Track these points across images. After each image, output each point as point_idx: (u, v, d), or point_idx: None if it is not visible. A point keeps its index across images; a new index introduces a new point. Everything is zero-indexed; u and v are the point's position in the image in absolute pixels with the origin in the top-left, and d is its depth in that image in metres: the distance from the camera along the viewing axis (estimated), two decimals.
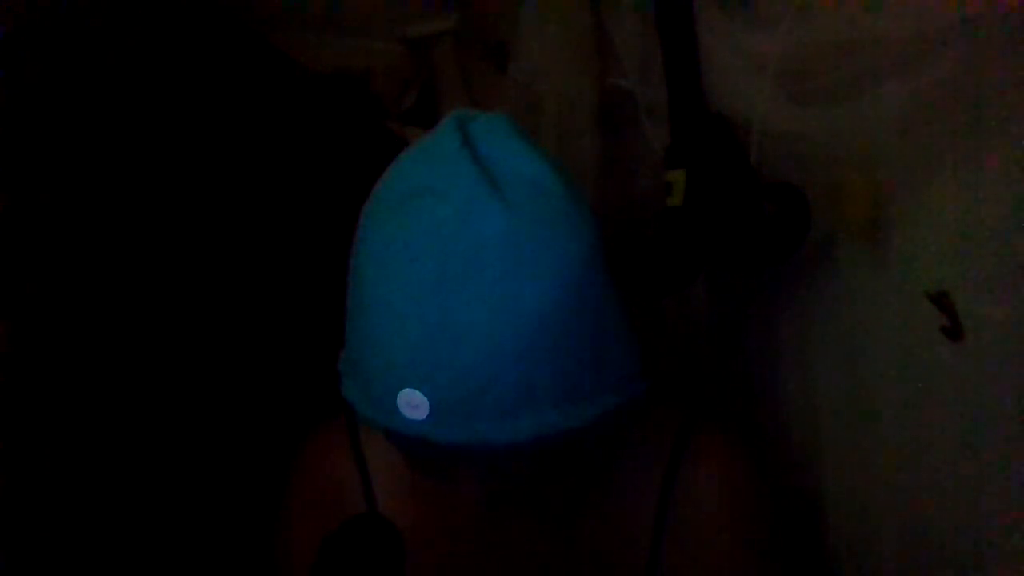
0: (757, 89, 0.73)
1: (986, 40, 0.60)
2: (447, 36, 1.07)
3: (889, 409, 0.75)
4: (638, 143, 0.89)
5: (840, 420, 0.80)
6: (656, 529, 0.73)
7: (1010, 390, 0.65)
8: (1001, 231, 0.64)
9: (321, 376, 0.68)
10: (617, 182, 0.93)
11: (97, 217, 0.94)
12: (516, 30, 0.93)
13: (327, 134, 1.08)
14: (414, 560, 0.60)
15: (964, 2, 0.60)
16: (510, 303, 0.57)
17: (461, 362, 0.57)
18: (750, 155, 0.75)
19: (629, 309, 0.65)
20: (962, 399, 0.68)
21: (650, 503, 0.73)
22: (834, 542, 0.82)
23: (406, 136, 1.08)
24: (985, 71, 0.61)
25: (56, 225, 0.91)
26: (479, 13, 1.03)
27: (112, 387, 0.94)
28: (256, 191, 1.03)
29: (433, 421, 0.59)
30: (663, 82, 0.81)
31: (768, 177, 0.75)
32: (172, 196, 0.98)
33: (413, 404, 0.58)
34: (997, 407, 0.66)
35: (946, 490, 0.71)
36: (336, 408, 0.66)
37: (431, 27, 1.07)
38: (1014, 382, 0.65)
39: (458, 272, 0.57)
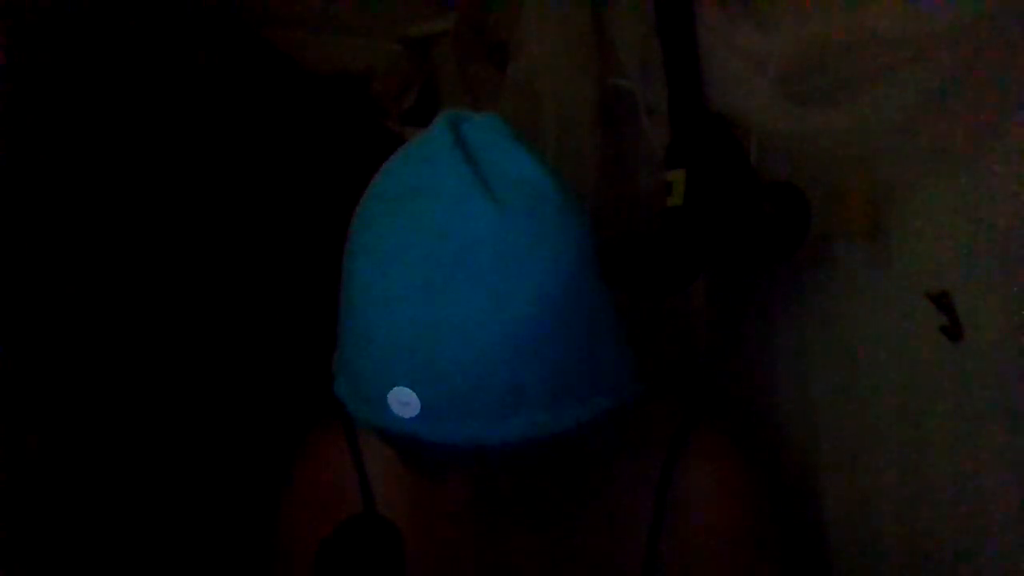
0: (757, 89, 0.73)
1: (986, 40, 0.60)
2: (447, 36, 1.07)
3: (889, 409, 0.75)
4: (638, 143, 0.89)
5: (839, 420, 0.80)
6: (653, 527, 0.73)
7: (1010, 390, 0.65)
8: (1001, 231, 0.64)
9: (319, 376, 0.68)
10: (617, 182, 0.92)
11: (95, 216, 0.93)
12: (516, 30, 0.93)
13: (327, 134, 1.08)
14: (410, 560, 0.60)
15: (963, 2, 0.60)
16: (501, 303, 0.57)
17: (451, 361, 0.57)
18: (750, 155, 0.75)
19: (622, 312, 0.65)
20: (962, 399, 0.68)
21: (647, 501, 0.73)
22: (833, 541, 0.82)
23: (406, 136, 1.08)
24: (985, 71, 0.61)
25: (55, 224, 0.91)
26: (479, 13, 1.03)
27: (110, 387, 0.94)
28: (255, 191, 1.03)
29: (424, 420, 0.59)
30: (663, 82, 0.81)
31: (768, 177, 0.75)
32: (171, 196, 0.98)
33: (404, 402, 0.58)
34: (997, 407, 0.66)
35: (946, 490, 0.71)
36: (334, 409, 0.67)
37: (431, 27, 1.07)
38: (1014, 382, 0.65)
39: (448, 271, 0.57)
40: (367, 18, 1.06)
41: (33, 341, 0.89)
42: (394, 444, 0.63)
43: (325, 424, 0.79)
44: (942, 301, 0.67)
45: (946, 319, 0.67)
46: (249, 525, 0.87)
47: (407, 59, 1.08)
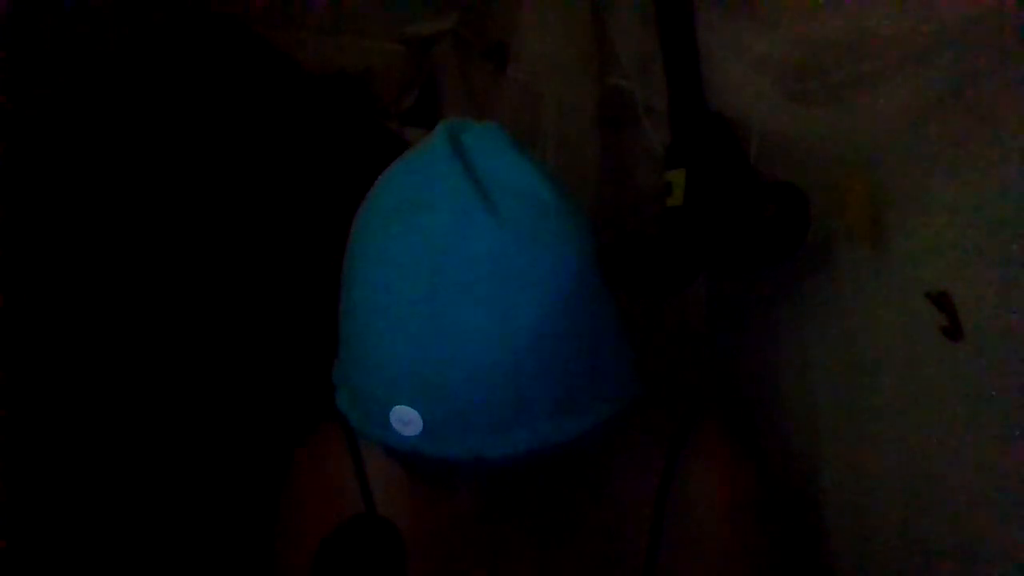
0: (757, 89, 0.73)
1: (986, 40, 0.60)
2: (447, 36, 1.07)
3: (889, 409, 0.74)
4: (638, 143, 0.89)
5: (840, 420, 0.80)
6: (653, 528, 0.73)
7: (1010, 390, 0.65)
8: (1001, 231, 0.64)
9: (319, 377, 0.68)
10: (617, 182, 0.93)
11: (96, 218, 0.93)
12: (516, 30, 0.93)
13: (327, 134, 1.08)
14: (411, 562, 0.60)
15: (964, 2, 0.60)
16: (502, 318, 0.56)
17: (454, 378, 0.57)
18: (750, 155, 0.75)
19: (622, 316, 0.65)
20: (962, 399, 0.68)
21: (647, 502, 0.73)
22: (833, 542, 0.82)
23: (406, 136, 1.08)
24: (985, 71, 0.61)
25: (56, 224, 0.91)
26: (479, 13, 1.03)
27: (112, 389, 0.94)
28: (256, 192, 1.03)
29: (426, 437, 0.58)
30: (663, 82, 0.81)
31: (768, 177, 0.75)
32: (171, 197, 0.98)
33: (406, 420, 0.58)
34: (997, 407, 0.66)
35: (945, 490, 0.71)
36: (334, 409, 0.66)
37: (431, 27, 1.07)
38: (1014, 382, 0.65)
39: (450, 287, 0.56)
40: (367, 18, 1.06)
41: (34, 341, 0.89)
42: (396, 457, 0.63)
43: (325, 425, 0.79)
44: (942, 301, 0.67)
45: (946, 319, 0.67)
46: (249, 525, 0.87)
47: (407, 59, 1.08)
